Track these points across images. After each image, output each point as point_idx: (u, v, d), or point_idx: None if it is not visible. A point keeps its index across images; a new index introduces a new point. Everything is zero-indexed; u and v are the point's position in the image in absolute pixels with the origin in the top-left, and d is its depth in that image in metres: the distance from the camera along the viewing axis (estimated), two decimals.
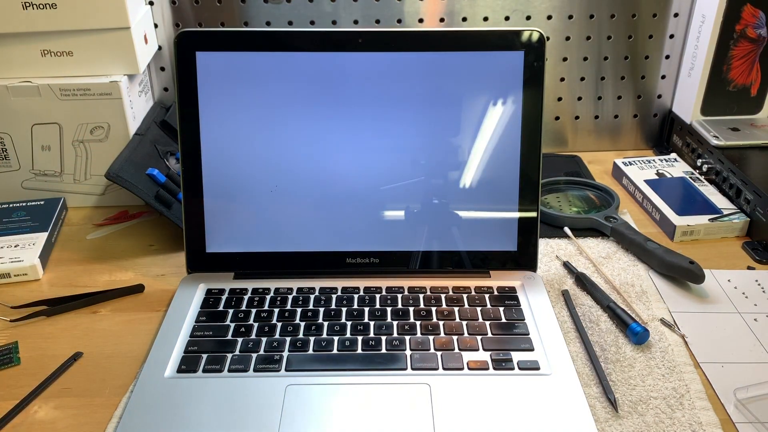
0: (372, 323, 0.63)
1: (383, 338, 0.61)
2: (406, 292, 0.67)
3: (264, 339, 0.61)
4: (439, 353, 0.59)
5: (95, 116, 0.81)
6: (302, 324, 0.63)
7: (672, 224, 0.79)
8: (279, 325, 0.63)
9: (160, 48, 0.93)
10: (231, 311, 0.65)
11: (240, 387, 0.56)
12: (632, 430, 0.54)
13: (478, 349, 0.60)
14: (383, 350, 0.60)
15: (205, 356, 0.59)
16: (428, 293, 0.67)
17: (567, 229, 0.80)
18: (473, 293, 0.67)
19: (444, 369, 0.58)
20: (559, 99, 0.99)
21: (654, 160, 0.93)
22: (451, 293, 0.67)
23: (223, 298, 0.66)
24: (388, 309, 0.65)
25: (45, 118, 0.81)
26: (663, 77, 0.98)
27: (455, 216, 0.68)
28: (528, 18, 0.93)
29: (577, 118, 1.00)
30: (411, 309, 0.65)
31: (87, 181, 0.86)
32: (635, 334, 0.62)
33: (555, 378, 0.57)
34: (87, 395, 0.58)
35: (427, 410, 0.54)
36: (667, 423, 0.54)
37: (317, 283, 0.68)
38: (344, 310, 0.65)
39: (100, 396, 0.58)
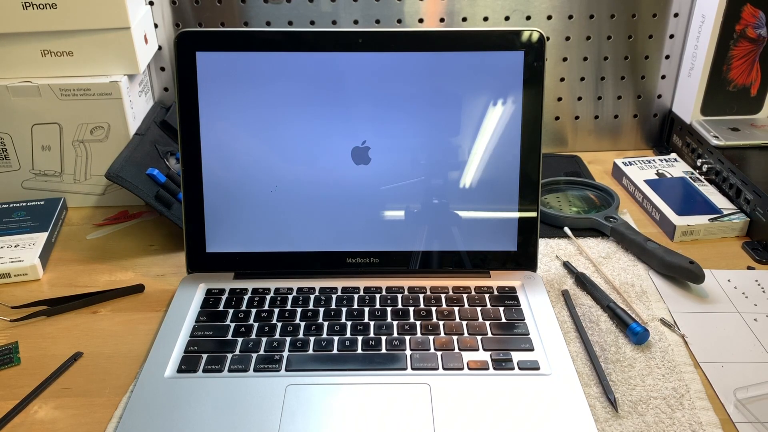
0: (372, 323, 0.63)
1: (383, 338, 0.61)
2: (406, 292, 0.67)
3: (264, 339, 0.61)
4: (439, 353, 0.59)
5: (95, 116, 0.81)
6: (302, 324, 0.63)
7: (672, 224, 0.79)
8: (279, 325, 0.63)
9: (160, 48, 0.93)
10: (231, 311, 0.65)
11: (240, 387, 0.56)
12: (632, 430, 0.54)
13: (478, 349, 0.60)
14: (383, 350, 0.60)
15: (205, 356, 0.59)
16: (428, 293, 0.67)
17: (567, 229, 0.80)
18: (473, 293, 0.67)
19: (444, 369, 0.58)
20: (559, 99, 0.99)
21: (654, 160, 0.93)
22: (451, 293, 0.67)
23: (223, 298, 0.67)
24: (388, 309, 0.65)
25: (45, 118, 0.81)
26: (663, 77, 0.98)
27: (455, 216, 0.68)
28: (528, 18, 0.93)
29: (577, 118, 1.00)
30: (411, 309, 0.65)
31: (87, 181, 0.86)
32: (635, 334, 0.62)
33: (555, 378, 0.57)
34: (87, 395, 0.58)
35: (427, 410, 0.54)
36: (667, 423, 0.54)
37: (317, 283, 0.68)
38: (344, 310, 0.65)
39: (100, 396, 0.58)
